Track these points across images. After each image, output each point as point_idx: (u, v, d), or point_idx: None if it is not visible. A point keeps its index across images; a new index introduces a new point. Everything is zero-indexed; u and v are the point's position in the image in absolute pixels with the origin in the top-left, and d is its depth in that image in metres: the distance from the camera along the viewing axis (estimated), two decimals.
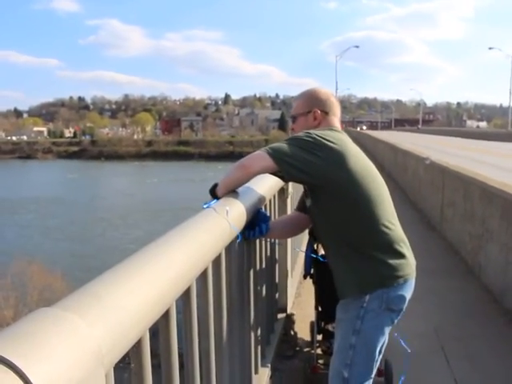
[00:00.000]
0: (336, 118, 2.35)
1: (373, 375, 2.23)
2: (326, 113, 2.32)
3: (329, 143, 2.07)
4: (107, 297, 0.94)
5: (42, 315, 0.80)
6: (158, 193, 47.56)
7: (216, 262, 1.77)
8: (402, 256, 2.17)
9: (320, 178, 2.08)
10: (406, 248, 2.23)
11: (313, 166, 2.05)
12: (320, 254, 2.84)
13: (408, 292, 2.20)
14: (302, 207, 2.52)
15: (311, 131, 2.13)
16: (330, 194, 2.12)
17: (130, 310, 0.98)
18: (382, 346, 2.24)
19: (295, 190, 4.26)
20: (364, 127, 76.90)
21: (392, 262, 2.13)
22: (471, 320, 4.43)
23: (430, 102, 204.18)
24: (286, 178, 2.30)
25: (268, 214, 2.49)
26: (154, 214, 35.69)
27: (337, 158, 2.07)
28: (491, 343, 3.92)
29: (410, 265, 2.22)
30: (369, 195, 2.12)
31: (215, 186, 2.14)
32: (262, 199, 2.48)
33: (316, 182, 2.11)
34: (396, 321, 2.22)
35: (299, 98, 2.44)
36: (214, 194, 2.11)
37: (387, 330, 2.19)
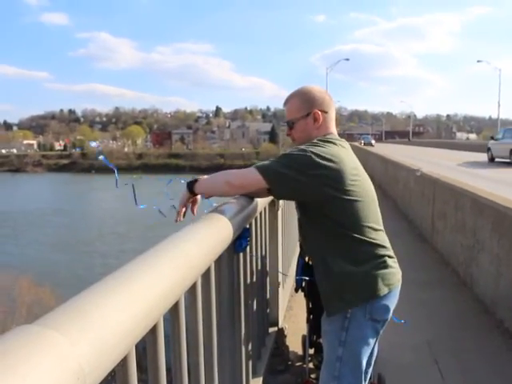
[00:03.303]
0: (334, 118, 2.27)
1: None
2: (325, 112, 2.22)
3: (324, 162, 1.97)
4: (91, 312, 0.90)
5: (21, 333, 0.76)
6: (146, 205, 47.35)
7: (205, 275, 1.74)
8: (386, 266, 2.14)
9: (311, 197, 2.03)
10: (390, 258, 2.20)
11: (304, 186, 1.98)
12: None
13: (392, 302, 2.18)
14: None
15: (306, 148, 2.01)
16: (319, 211, 2.08)
17: (115, 326, 0.94)
18: (371, 356, 2.21)
19: (286, 203, 4.24)
20: (373, 141, 54.23)
21: (376, 272, 2.11)
22: (464, 332, 4.40)
23: (420, 115, 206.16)
24: (276, 197, 2.21)
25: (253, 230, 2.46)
26: (144, 226, 35.47)
27: (331, 178, 1.99)
28: (484, 355, 3.89)
29: (394, 274, 2.19)
30: (359, 212, 2.09)
31: (195, 181, 2.10)
32: (252, 212, 2.46)
33: (307, 200, 2.08)
34: (381, 331, 2.20)
35: (293, 99, 2.26)
36: (191, 188, 2.08)
37: (372, 341, 2.17)
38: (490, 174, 13.79)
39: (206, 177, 2.14)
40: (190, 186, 2.09)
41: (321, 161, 1.97)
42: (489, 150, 20.84)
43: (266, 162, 2.03)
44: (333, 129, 2.25)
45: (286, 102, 2.28)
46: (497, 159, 19.60)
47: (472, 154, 25.58)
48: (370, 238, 2.11)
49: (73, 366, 0.76)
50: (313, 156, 1.96)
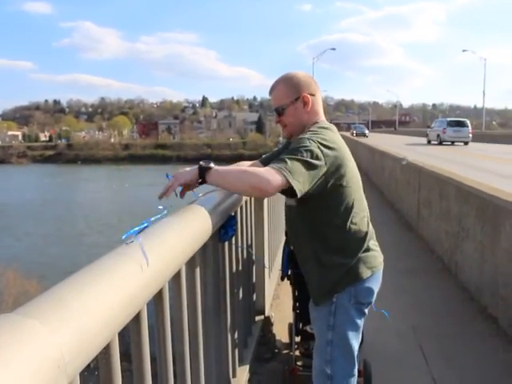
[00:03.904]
0: (321, 101, 2.25)
1: (356, 370, 2.24)
2: (313, 95, 2.19)
3: (332, 152, 1.99)
4: (72, 301, 0.90)
5: (1, 322, 0.76)
6: (135, 197, 46.96)
7: (190, 263, 1.74)
8: (368, 249, 2.20)
9: (321, 187, 2.00)
10: (373, 241, 2.25)
11: (320, 180, 1.98)
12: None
13: (375, 284, 2.23)
14: (267, 163, 2.26)
15: (313, 137, 1.97)
16: (319, 198, 2.06)
17: (96, 314, 0.94)
18: (362, 339, 2.26)
19: None
20: (366, 131, 47.45)
21: (360, 256, 2.16)
22: (448, 318, 4.45)
23: (406, 104, 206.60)
24: (296, 196, 1.94)
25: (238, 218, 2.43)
26: (131, 217, 35.25)
27: (339, 167, 2.02)
28: (468, 341, 3.94)
29: (376, 257, 2.24)
30: (353, 198, 2.13)
31: (209, 168, 1.92)
32: (237, 200, 2.46)
33: (316, 190, 2.00)
34: (366, 311, 2.23)
35: (279, 86, 2.22)
36: (203, 174, 1.91)
37: (360, 323, 2.22)
38: (423, 150, 19.63)
39: (220, 168, 1.96)
40: (203, 171, 1.92)
41: (330, 151, 1.98)
42: (426, 135, 28.67)
43: (285, 163, 1.88)
44: (322, 113, 2.25)
45: (272, 89, 2.24)
46: (432, 142, 27.07)
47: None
48: (356, 224, 2.15)
49: (53, 354, 0.76)
50: (321, 147, 1.96)
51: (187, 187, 2.00)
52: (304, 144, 1.95)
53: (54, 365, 0.75)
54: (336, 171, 2.03)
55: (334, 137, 2.10)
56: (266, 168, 1.90)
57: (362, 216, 2.18)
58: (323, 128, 2.11)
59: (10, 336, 0.72)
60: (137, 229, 1.35)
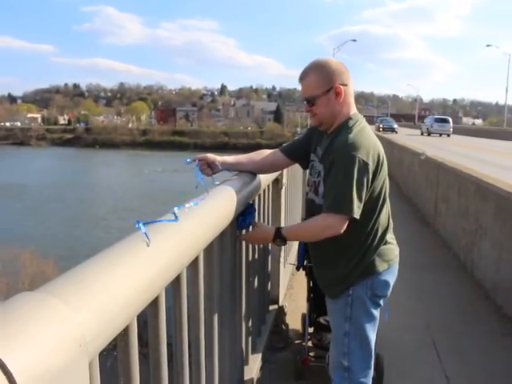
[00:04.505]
0: (353, 90, 2.18)
1: (372, 362, 2.23)
2: (345, 85, 2.10)
3: (373, 159, 2.01)
4: (94, 282, 0.91)
5: (24, 299, 0.76)
6: (158, 182, 47.00)
7: (208, 250, 1.74)
8: (386, 242, 2.19)
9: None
10: (390, 234, 2.24)
11: (369, 190, 2.04)
12: None
13: (391, 277, 2.22)
14: (290, 153, 2.42)
15: (356, 155, 1.96)
16: None
17: (117, 296, 0.94)
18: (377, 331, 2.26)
19: (289, 182, 4.23)
20: (395, 126, 38.74)
21: (378, 249, 2.15)
22: (463, 316, 4.42)
23: (426, 98, 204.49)
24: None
25: (255, 208, 2.45)
26: (153, 202, 35.33)
27: (376, 169, 2.04)
28: (482, 340, 3.91)
29: (392, 250, 2.23)
30: (381, 192, 2.12)
31: (279, 231, 2.21)
32: (256, 189, 2.45)
33: None
34: (382, 303, 2.24)
35: (311, 75, 2.10)
36: (280, 236, 2.18)
37: (376, 315, 2.22)
38: (416, 138, 25.30)
39: (291, 229, 2.32)
40: (278, 233, 2.18)
41: (371, 160, 1.99)
42: (420, 128, 36.15)
43: (342, 203, 1.98)
44: (353, 103, 2.19)
45: (303, 78, 2.13)
46: (424, 133, 33.04)
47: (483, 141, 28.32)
48: (380, 218, 2.14)
49: (75, 333, 0.76)
50: (367, 161, 1.98)
51: (211, 169, 2.22)
52: (350, 169, 1.96)
53: (76, 343, 0.76)
54: (375, 174, 2.04)
55: (371, 137, 2.09)
56: (328, 217, 2.01)
57: (386, 210, 2.17)
58: (361, 129, 2.08)
59: (33, 313, 0.73)
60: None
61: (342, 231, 2.01)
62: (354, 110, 2.17)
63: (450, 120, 33.51)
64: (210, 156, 2.25)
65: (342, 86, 2.08)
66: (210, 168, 2.21)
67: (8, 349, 0.64)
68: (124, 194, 41.33)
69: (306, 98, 2.12)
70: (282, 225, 3.94)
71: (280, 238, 2.17)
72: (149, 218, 1.31)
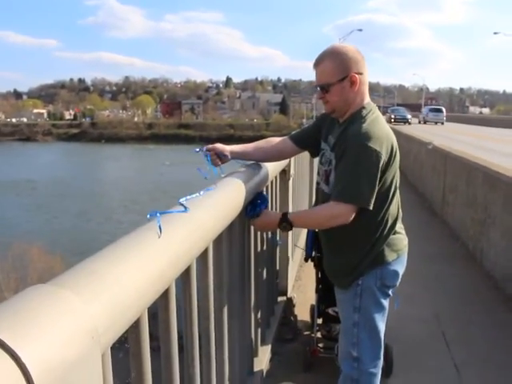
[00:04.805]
0: (367, 79, 2.13)
1: (382, 353, 2.23)
2: (361, 74, 2.05)
3: (386, 149, 1.99)
4: (105, 274, 0.91)
5: (36, 292, 0.76)
6: (168, 175, 46.91)
7: (217, 241, 1.74)
8: (395, 232, 2.18)
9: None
10: (399, 224, 2.23)
11: (380, 180, 2.01)
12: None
13: (400, 267, 2.22)
14: (299, 141, 2.41)
15: (369, 145, 1.94)
16: None
17: (128, 288, 0.94)
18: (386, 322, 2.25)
19: (296, 173, 4.22)
20: (409, 116, 35.41)
21: (387, 239, 2.14)
22: (472, 306, 4.40)
23: (432, 88, 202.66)
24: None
25: (267, 196, 2.44)
26: (162, 196, 35.32)
27: (389, 160, 2.02)
28: (491, 330, 3.90)
29: (401, 240, 2.22)
30: (392, 182, 2.10)
31: (286, 216, 2.17)
32: (263, 180, 2.45)
33: None
34: (391, 293, 2.23)
35: (327, 61, 2.05)
36: (287, 221, 2.14)
37: (386, 306, 2.21)
38: (415, 127, 27.93)
39: (297, 215, 2.32)
40: (285, 218, 2.15)
41: (381, 150, 1.96)
42: (418, 117, 39.80)
43: (352, 191, 1.97)
44: (367, 93, 2.15)
45: (318, 64, 2.08)
46: (420, 122, 36.56)
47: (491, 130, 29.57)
48: (391, 209, 2.13)
49: (87, 325, 0.77)
50: (377, 150, 1.95)
51: (220, 159, 2.22)
52: (364, 156, 1.95)
53: (88, 335, 0.76)
54: (387, 165, 2.02)
55: (384, 127, 2.07)
56: (337, 205, 1.99)
57: (396, 200, 2.16)
58: (374, 119, 2.06)
59: (45, 305, 0.73)
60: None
61: (350, 220, 1.99)
62: (367, 99, 2.13)
63: (444, 110, 37.53)
64: (219, 146, 2.25)
65: (357, 75, 2.03)
66: (219, 158, 2.21)
67: (21, 342, 0.64)
68: (134, 188, 41.41)
69: (319, 85, 2.09)
70: None
71: (286, 222, 2.14)
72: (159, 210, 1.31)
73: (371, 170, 1.95)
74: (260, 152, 2.37)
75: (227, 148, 2.27)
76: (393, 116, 34.28)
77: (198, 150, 2.22)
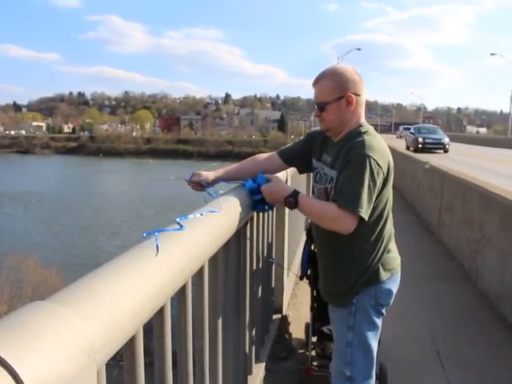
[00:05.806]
0: (364, 100, 2.18)
1: (374, 371, 2.24)
2: (358, 95, 2.11)
3: (384, 165, 2.02)
4: (102, 292, 0.92)
5: (35, 308, 0.78)
6: (161, 190, 47.01)
7: (213, 260, 1.76)
8: (389, 251, 2.20)
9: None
10: (392, 243, 2.25)
11: (377, 195, 2.04)
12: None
13: (394, 286, 2.24)
14: (287, 158, 2.40)
15: (370, 155, 1.97)
16: None
17: (124, 305, 0.96)
18: (379, 342, 2.27)
19: (294, 181, 4.25)
20: (446, 139, 22.27)
21: (382, 258, 2.16)
22: (467, 325, 4.41)
23: (430, 107, 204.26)
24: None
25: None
26: (155, 211, 35.42)
27: (386, 177, 2.06)
28: (486, 349, 3.90)
29: (394, 259, 2.25)
30: (388, 204, 2.14)
31: (297, 193, 2.11)
32: None
33: None
34: (384, 312, 2.24)
35: (325, 80, 2.12)
36: (295, 198, 2.09)
37: (379, 324, 2.23)
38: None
39: (306, 199, 2.17)
40: (295, 194, 2.11)
41: (382, 165, 2.00)
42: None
43: (355, 201, 1.96)
44: (363, 114, 2.20)
45: (317, 82, 2.15)
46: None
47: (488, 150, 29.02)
48: (386, 227, 2.16)
49: (84, 342, 0.78)
50: (379, 164, 1.99)
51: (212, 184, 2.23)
52: (367, 166, 1.97)
53: (85, 352, 0.78)
54: (385, 181, 2.06)
55: (383, 144, 2.11)
56: (341, 211, 1.96)
57: (390, 219, 2.19)
58: (373, 136, 2.10)
59: (45, 322, 0.74)
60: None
61: (348, 231, 1.98)
62: (363, 119, 2.18)
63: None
64: (203, 174, 2.28)
65: (354, 96, 2.09)
66: (199, 185, 2.24)
67: (19, 357, 0.66)
68: (135, 203, 41.38)
69: (317, 103, 2.14)
70: (286, 233, 3.96)
71: (294, 198, 2.10)
72: (160, 226, 1.34)
73: (372, 182, 1.97)
74: (243, 173, 2.35)
75: (211, 175, 2.28)
76: (421, 139, 21.89)
77: (187, 178, 2.27)
